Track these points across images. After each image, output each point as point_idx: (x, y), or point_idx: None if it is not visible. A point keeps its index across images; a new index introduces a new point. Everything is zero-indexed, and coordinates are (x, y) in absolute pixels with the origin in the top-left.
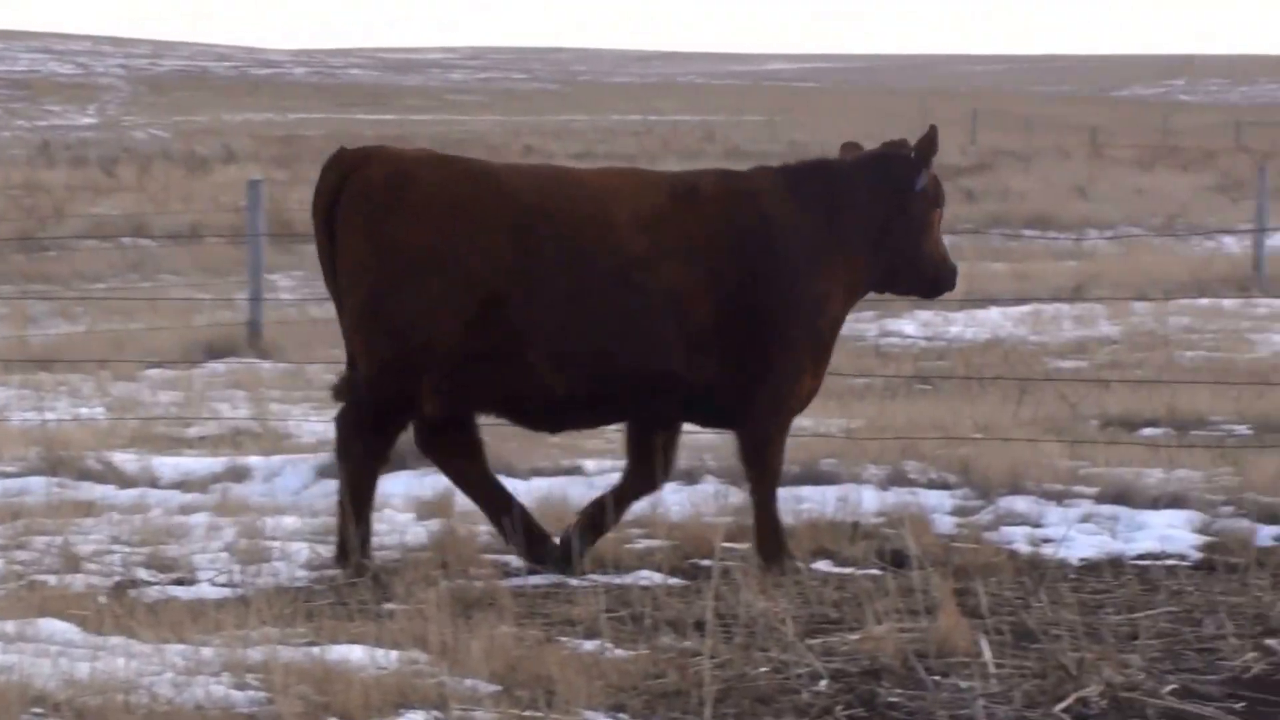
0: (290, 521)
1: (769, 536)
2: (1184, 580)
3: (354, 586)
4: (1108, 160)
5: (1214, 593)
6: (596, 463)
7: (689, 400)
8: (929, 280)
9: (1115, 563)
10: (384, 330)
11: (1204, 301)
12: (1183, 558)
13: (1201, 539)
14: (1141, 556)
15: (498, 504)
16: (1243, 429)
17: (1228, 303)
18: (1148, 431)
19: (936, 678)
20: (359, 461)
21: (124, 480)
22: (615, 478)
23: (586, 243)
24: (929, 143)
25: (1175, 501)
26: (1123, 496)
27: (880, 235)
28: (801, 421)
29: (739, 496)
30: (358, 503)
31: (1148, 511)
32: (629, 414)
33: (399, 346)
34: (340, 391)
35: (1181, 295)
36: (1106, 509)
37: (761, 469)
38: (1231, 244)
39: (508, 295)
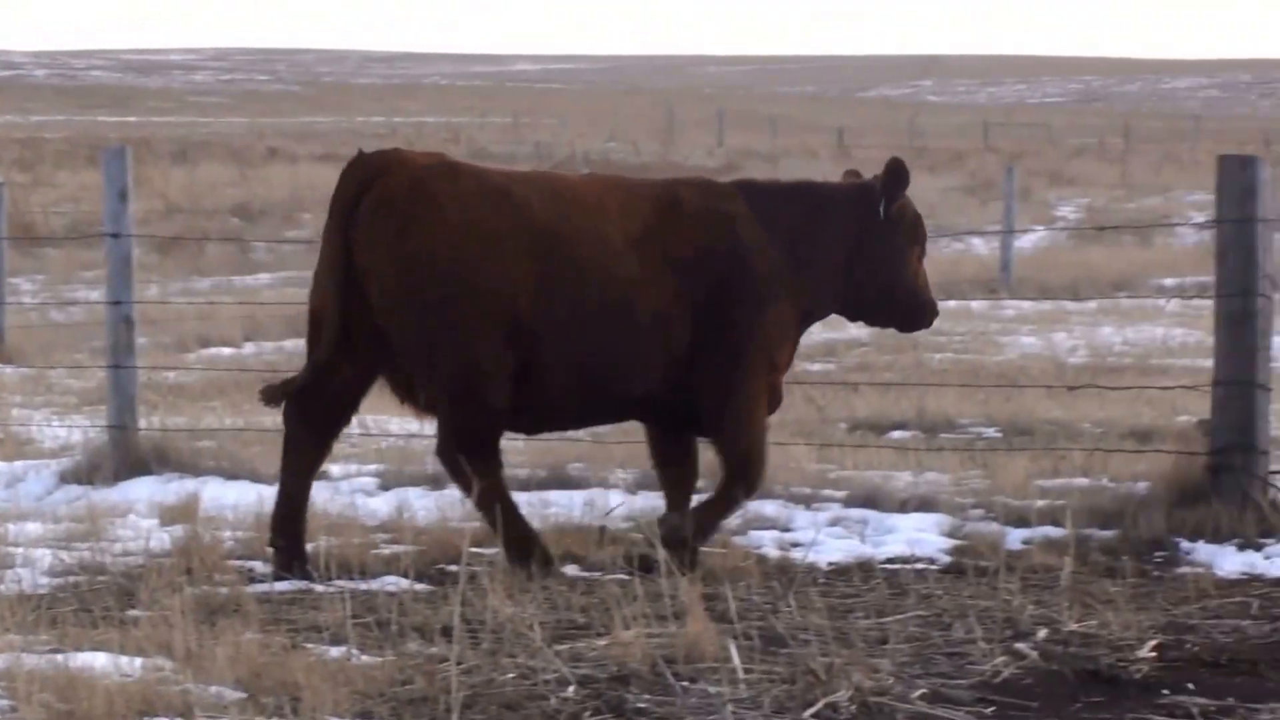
0: (33, 528)
1: (701, 526)
2: (933, 584)
3: (97, 593)
4: (855, 161)
5: (963, 596)
6: (342, 467)
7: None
8: (902, 314)
9: (864, 566)
10: (449, 353)
11: (952, 304)
12: (932, 561)
13: (951, 542)
14: (891, 560)
15: (299, 504)
16: (991, 431)
17: (976, 304)
18: (896, 434)
19: (685, 683)
20: (492, 478)
21: None
22: (361, 481)
23: (592, 259)
24: (892, 173)
25: (924, 505)
26: (871, 500)
27: (852, 261)
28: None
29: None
30: (513, 509)
31: (897, 515)
32: (603, 423)
33: (463, 361)
34: (273, 394)
35: None
36: (855, 512)
37: (748, 477)
38: (980, 245)
39: (527, 312)
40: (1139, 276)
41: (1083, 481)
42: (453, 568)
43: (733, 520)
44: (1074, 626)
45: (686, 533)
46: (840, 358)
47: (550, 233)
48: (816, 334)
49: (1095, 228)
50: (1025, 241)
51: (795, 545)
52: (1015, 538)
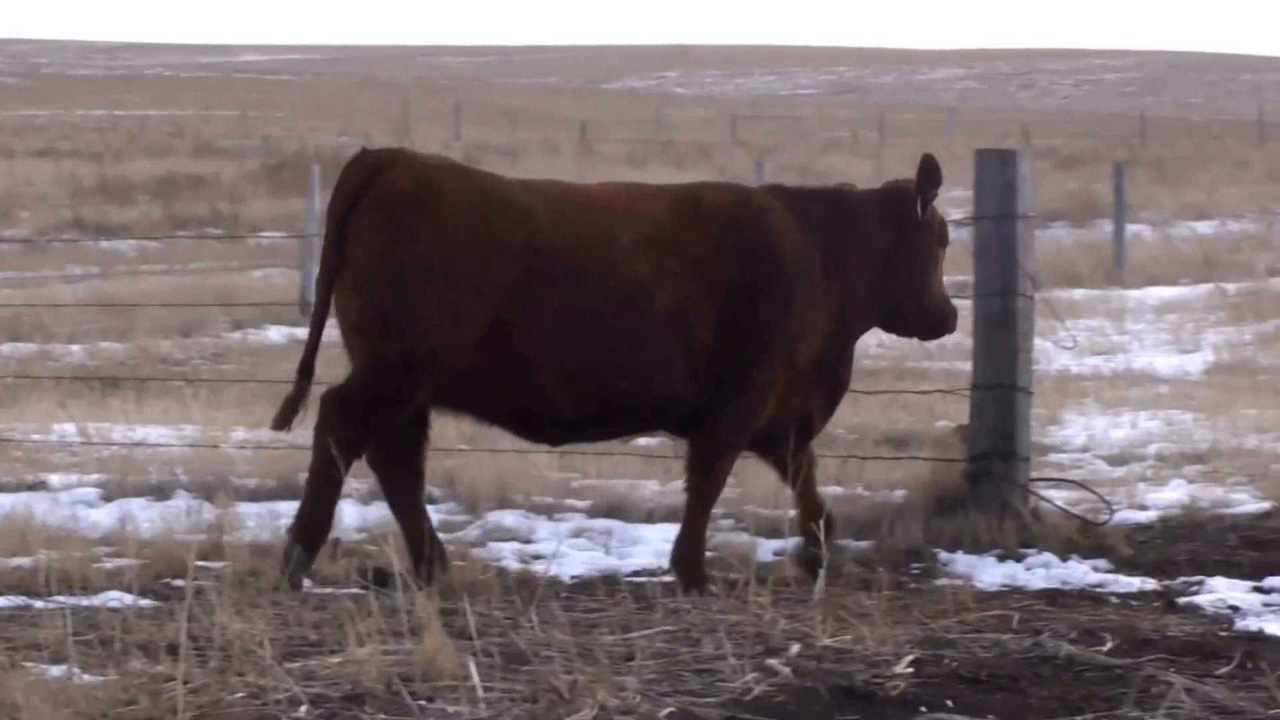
0: None
1: (691, 555)
2: (681, 598)
3: None
4: (598, 156)
5: (713, 611)
6: (62, 477)
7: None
8: (931, 321)
9: (609, 580)
10: (390, 333)
11: None
12: None
13: None
14: (637, 573)
15: (416, 535)
16: None
17: None
18: (642, 441)
19: (422, 702)
20: (334, 447)
21: None
22: (81, 492)
23: (592, 264)
24: (928, 172)
25: (672, 515)
26: (616, 509)
27: (889, 271)
28: (282, 434)
29: (212, 512)
30: (324, 492)
31: (643, 525)
32: (629, 432)
33: (403, 350)
34: (284, 417)
35: None
36: (600, 523)
37: (709, 481)
38: None
39: (516, 317)
40: None
41: (837, 490)
42: (178, 582)
43: (471, 531)
44: (828, 641)
45: (696, 571)
46: None
47: (547, 238)
48: None
49: None
50: None
51: (537, 558)
52: (766, 549)
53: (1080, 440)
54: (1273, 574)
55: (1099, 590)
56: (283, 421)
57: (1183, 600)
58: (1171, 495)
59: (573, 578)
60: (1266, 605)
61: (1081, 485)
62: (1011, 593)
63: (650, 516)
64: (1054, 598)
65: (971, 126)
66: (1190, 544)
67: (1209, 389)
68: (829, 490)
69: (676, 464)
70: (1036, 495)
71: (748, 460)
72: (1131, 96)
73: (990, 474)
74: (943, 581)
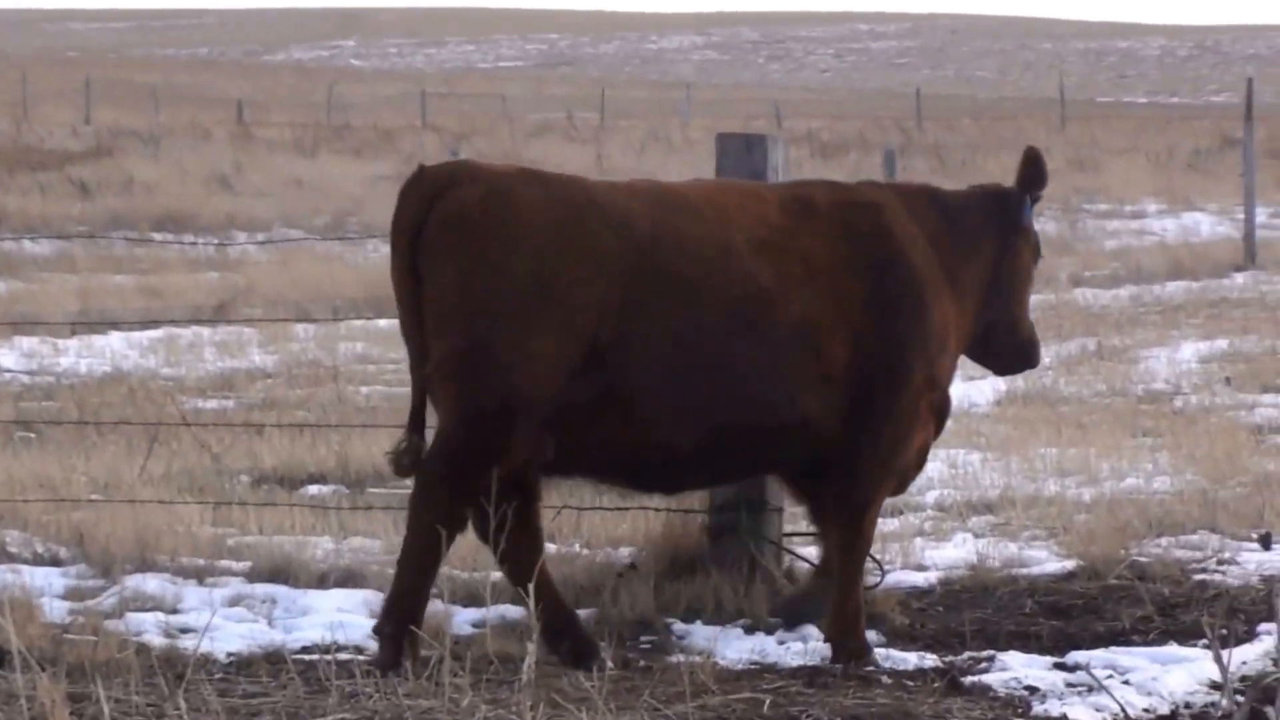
0: None
1: (852, 625)
2: (362, 679)
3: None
4: (259, 143)
5: (400, 694)
6: None
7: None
8: (1019, 350)
9: (273, 658)
10: (480, 376)
11: (383, 323)
12: (360, 650)
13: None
14: (307, 649)
15: (555, 611)
16: None
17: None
18: (314, 490)
19: None
20: (436, 521)
21: None
22: None
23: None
24: (1033, 167)
25: (349, 578)
26: (282, 573)
27: (991, 285)
28: None
29: None
30: (424, 567)
31: (315, 592)
32: (752, 471)
33: (495, 394)
34: (403, 461)
35: (355, 315)
36: (262, 589)
37: (858, 537)
38: None
39: (617, 338)
40: None
41: (551, 548)
42: None
43: (105, 600)
44: None
45: (857, 641)
46: (240, 393)
47: (652, 244)
48: (212, 363)
49: None
50: None
51: (185, 631)
52: (465, 619)
53: None
54: (1077, 647)
55: (868, 668)
56: (401, 469)
57: (969, 680)
58: (955, 553)
59: (229, 655)
60: (1070, 685)
61: None
62: (762, 672)
63: (323, 581)
64: (813, 677)
65: (712, 106)
66: (978, 611)
67: (1000, 423)
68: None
69: (353, 516)
70: (791, 553)
71: None
72: (905, 69)
73: (735, 528)
74: (678, 658)
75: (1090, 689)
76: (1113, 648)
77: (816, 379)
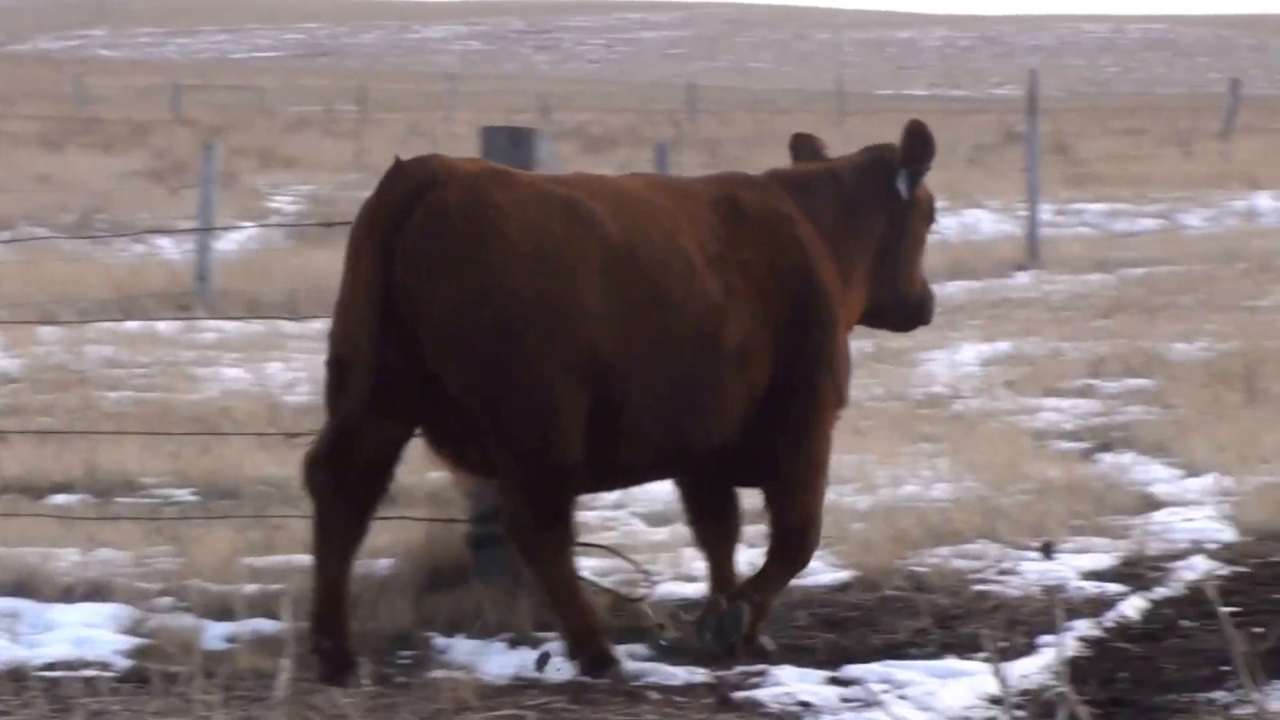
0: None
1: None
2: (109, 697)
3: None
4: (2, 136)
5: (148, 713)
6: None
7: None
8: (912, 311)
9: (16, 674)
10: (519, 399)
11: (133, 325)
12: (106, 666)
13: (132, 641)
14: (51, 666)
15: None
16: (185, 494)
17: (164, 326)
18: (59, 499)
19: None
20: (565, 555)
21: None
22: None
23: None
24: (915, 139)
25: (96, 592)
26: (25, 586)
27: (884, 262)
28: None
29: None
30: (571, 592)
31: (59, 606)
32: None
33: (539, 405)
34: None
35: (103, 317)
36: (4, 603)
37: (800, 556)
38: (170, 248)
39: (608, 346)
40: None
41: (305, 559)
42: None
43: None
44: None
45: (745, 621)
46: None
47: (627, 253)
48: None
49: (322, 224)
50: (229, 242)
51: None
52: (217, 634)
53: (613, 495)
54: (852, 661)
55: (636, 683)
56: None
57: (740, 695)
58: None
59: None
60: (845, 701)
61: (614, 551)
62: (526, 687)
63: (68, 594)
64: (576, 693)
65: (477, 98)
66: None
67: None
68: (296, 560)
69: (101, 527)
70: None
71: (193, 525)
72: (678, 60)
73: (499, 538)
74: (439, 673)
75: (866, 704)
76: (889, 661)
77: (746, 396)
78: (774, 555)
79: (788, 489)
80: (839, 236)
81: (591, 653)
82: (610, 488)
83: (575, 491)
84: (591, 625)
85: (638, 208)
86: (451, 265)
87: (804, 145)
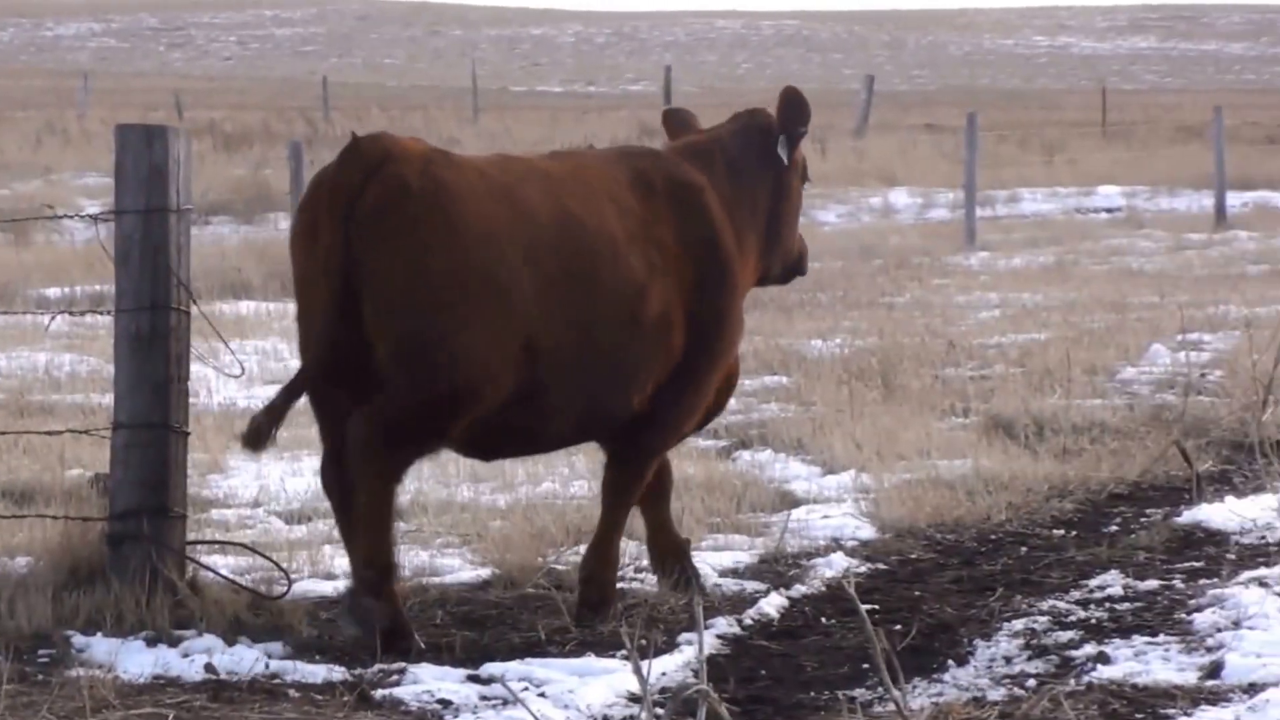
0: None
1: (609, 568)
2: None
3: None
4: None
5: None
6: None
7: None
8: (792, 264)
9: None
10: (432, 367)
11: None
12: None
13: None
14: None
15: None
16: None
17: None
18: None
19: None
20: (386, 483)
21: None
22: None
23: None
24: (791, 105)
25: None
26: None
27: (769, 225)
28: None
29: None
30: (386, 518)
31: None
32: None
33: (446, 386)
34: (257, 434)
35: None
36: None
37: (633, 490)
38: None
39: (539, 327)
40: (11, 286)
41: None
42: None
43: None
44: None
45: (612, 586)
46: None
47: (558, 233)
48: None
49: None
50: None
51: None
52: None
53: (251, 492)
54: (492, 659)
55: (275, 682)
56: (256, 440)
57: (380, 693)
58: None
59: None
60: (485, 699)
61: (251, 549)
62: (166, 686)
63: None
64: (218, 691)
65: (111, 96)
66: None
67: None
68: None
69: None
70: (195, 562)
71: None
72: (312, 57)
73: (137, 536)
74: (78, 672)
75: (506, 702)
76: (529, 659)
77: (665, 364)
78: (613, 497)
79: (656, 427)
80: (734, 205)
81: (373, 583)
82: (533, 452)
83: (433, 450)
84: (387, 561)
85: (564, 190)
86: (405, 237)
87: (677, 118)
